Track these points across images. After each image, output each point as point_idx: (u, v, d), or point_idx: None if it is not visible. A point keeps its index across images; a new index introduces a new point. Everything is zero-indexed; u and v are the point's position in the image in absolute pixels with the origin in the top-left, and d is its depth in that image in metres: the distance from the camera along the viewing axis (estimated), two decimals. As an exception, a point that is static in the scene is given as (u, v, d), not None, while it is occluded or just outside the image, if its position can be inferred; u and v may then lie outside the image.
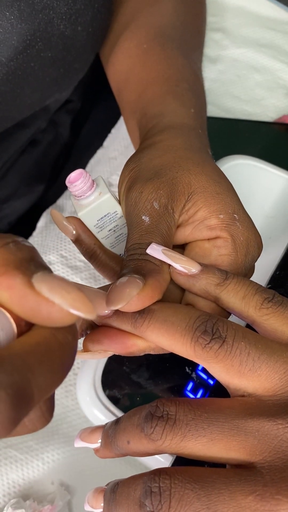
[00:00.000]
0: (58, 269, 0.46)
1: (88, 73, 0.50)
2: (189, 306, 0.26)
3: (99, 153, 0.53)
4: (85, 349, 0.25)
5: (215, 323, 0.22)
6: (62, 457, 0.39)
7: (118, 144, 0.53)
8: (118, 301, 0.23)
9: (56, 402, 0.41)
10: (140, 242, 0.26)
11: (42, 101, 0.44)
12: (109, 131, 0.54)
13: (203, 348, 0.22)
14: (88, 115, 0.59)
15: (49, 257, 0.46)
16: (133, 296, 0.23)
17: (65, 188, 0.53)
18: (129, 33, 0.43)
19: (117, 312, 0.24)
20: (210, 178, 0.29)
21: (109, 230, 0.31)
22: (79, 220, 0.31)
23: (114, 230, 0.31)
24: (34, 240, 0.49)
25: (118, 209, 0.30)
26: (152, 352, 0.25)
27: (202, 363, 0.23)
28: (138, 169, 0.30)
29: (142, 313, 0.24)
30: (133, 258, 0.26)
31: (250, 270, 0.29)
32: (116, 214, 0.30)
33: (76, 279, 0.45)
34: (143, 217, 0.27)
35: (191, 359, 0.23)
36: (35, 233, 0.50)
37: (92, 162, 0.53)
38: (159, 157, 0.30)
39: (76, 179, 0.29)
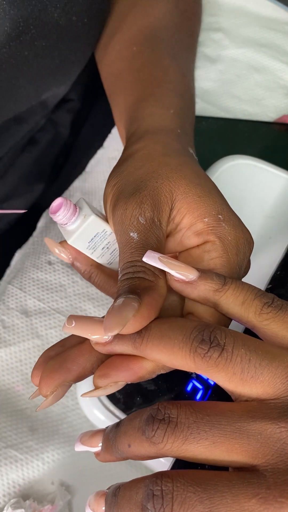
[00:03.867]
0: (58, 269, 0.46)
1: (88, 73, 0.50)
2: (185, 318, 0.26)
3: (99, 153, 0.53)
4: (96, 387, 0.25)
5: (212, 331, 0.22)
6: (62, 457, 0.39)
7: (118, 144, 0.53)
8: (115, 326, 0.23)
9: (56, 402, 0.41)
10: (132, 260, 0.26)
11: (39, 94, 0.44)
12: (109, 131, 0.54)
13: (203, 358, 0.22)
14: (88, 114, 0.59)
15: (49, 257, 0.46)
16: (129, 319, 0.23)
17: (64, 188, 0.53)
18: (120, 35, 0.43)
19: (117, 336, 0.24)
20: (190, 182, 0.28)
21: (102, 249, 0.31)
22: (70, 245, 0.31)
23: (107, 247, 0.31)
24: (34, 240, 0.49)
25: (106, 227, 0.30)
26: (162, 371, 0.25)
27: (204, 374, 0.22)
28: (120, 185, 0.29)
29: (140, 332, 0.24)
30: (127, 278, 0.25)
31: (246, 267, 0.29)
32: (105, 232, 0.30)
33: (76, 279, 0.45)
34: (131, 234, 0.27)
35: (193, 371, 0.23)
36: (35, 233, 0.50)
37: (92, 162, 0.53)
38: (139, 169, 0.30)
39: (58, 208, 0.29)
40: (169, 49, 0.41)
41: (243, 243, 0.28)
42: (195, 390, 0.35)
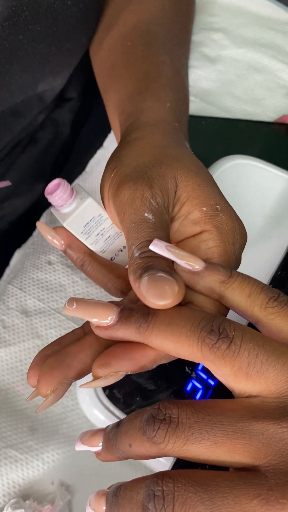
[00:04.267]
0: (58, 269, 0.45)
1: (88, 71, 0.50)
2: (194, 308, 0.26)
3: (99, 153, 0.53)
4: (95, 377, 0.24)
5: (222, 322, 0.22)
6: (62, 457, 0.39)
7: (118, 144, 0.53)
8: (163, 297, 0.23)
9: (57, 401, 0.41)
10: (150, 239, 0.25)
11: (34, 84, 0.43)
12: (109, 131, 0.54)
13: (210, 348, 0.21)
14: (88, 114, 0.58)
15: (49, 257, 0.46)
16: (176, 292, 0.23)
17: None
18: (115, 30, 0.43)
19: (120, 320, 0.24)
20: (190, 171, 0.28)
21: (97, 235, 0.31)
22: (65, 230, 0.30)
23: (102, 234, 0.31)
24: (34, 240, 0.49)
25: (102, 212, 0.30)
26: (164, 361, 0.25)
27: (209, 365, 0.22)
28: (121, 169, 0.29)
29: (147, 318, 0.23)
30: (149, 255, 0.25)
31: (238, 261, 0.29)
32: (101, 217, 0.30)
33: (76, 279, 0.45)
34: (146, 215, 0.26)
35: (198, 361, 0.22)
36: (35, 233, 0.50)
37: (92, 162, 0.53)
38: (141, 155, 0.30)
39: (55, 189, 0.28)
40: (163, 45, 0.41)
41: (239, 234, 0.28)
42: (194, 390, 0.35)
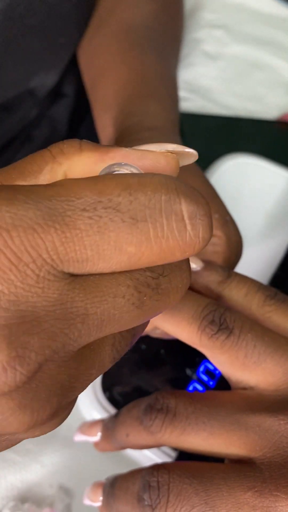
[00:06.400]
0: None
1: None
2: (197, 294, 0.26)
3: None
4: None
5: (223, 313, 0.22)
6: (61, 460, 0.39)
7: (118, 142, 0.52)
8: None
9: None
10: None
11: (26, 79, 0.44)
12: (108, 129, 0.54)
13: (209, 338, 0.22)
14: (86, 111, 0.58)
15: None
16: None
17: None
18: (108, 28, 0.43)
19: None
20: (205, 180, 0.30)
21: None
22: None
23: None
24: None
25: None
26: (156, 335, 0.26)
27: (206, 353, 0.23)
28: None
29: None
30: None
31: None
32: None
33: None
34: None
35: (195, 347, 0.23)
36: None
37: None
38: None
39: None
40: (160, 54, 0.42)
41: (241, 249, 0.29)
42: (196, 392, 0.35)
